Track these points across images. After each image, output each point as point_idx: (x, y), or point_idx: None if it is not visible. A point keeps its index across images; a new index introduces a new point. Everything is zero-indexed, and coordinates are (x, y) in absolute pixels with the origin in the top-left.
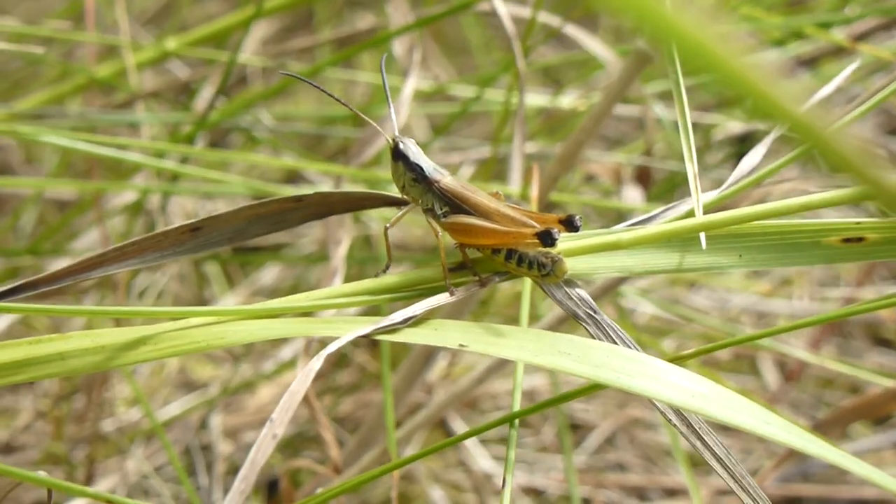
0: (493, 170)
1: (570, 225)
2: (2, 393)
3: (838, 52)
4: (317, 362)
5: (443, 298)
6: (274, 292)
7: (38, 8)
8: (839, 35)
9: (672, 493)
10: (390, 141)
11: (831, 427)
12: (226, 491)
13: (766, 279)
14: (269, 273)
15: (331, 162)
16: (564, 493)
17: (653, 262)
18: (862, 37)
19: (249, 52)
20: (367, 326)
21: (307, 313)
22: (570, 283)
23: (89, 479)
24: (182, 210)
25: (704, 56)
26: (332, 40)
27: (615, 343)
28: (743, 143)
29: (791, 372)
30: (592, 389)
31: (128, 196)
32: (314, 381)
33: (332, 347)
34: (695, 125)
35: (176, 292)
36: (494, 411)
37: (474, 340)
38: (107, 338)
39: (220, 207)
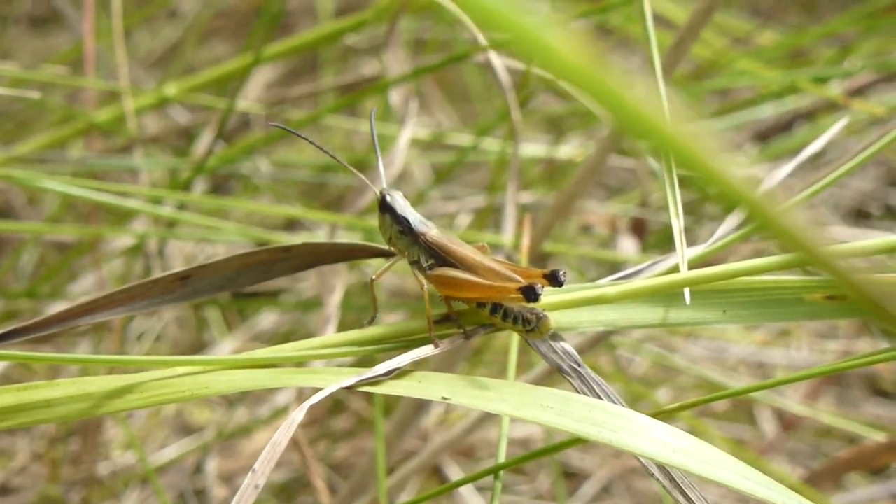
0: (490, 218)
1: (554, 280)
2: None
3: (835, 106)
4: (299, 414)
5: (427, 350)
6: (272, 337)
7: (44, 48)
8: (835, 90)
9: None
10: (378, 193)
11: (825, 478)
12: None
13: (763, 330)
14: (268, 318)
15: (330, 209)
16: None
17: (637, 316)
18: (860, 90)
19: (253, 97)
20: (350, 378)
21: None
22: (555, 336)
23: None
24: (180, 253)
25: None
26: (334, 87)
27: (599, 397)
28: None
29: (788, 422)
30: (576, 443)
31: (126, 239)
32: (308, 427)
33: (315, 399)
34: (686, 178)
35: (174, 336)
36: (490, 458)
37: (458, 393)
38: (94, 385)
39: (219, 251)
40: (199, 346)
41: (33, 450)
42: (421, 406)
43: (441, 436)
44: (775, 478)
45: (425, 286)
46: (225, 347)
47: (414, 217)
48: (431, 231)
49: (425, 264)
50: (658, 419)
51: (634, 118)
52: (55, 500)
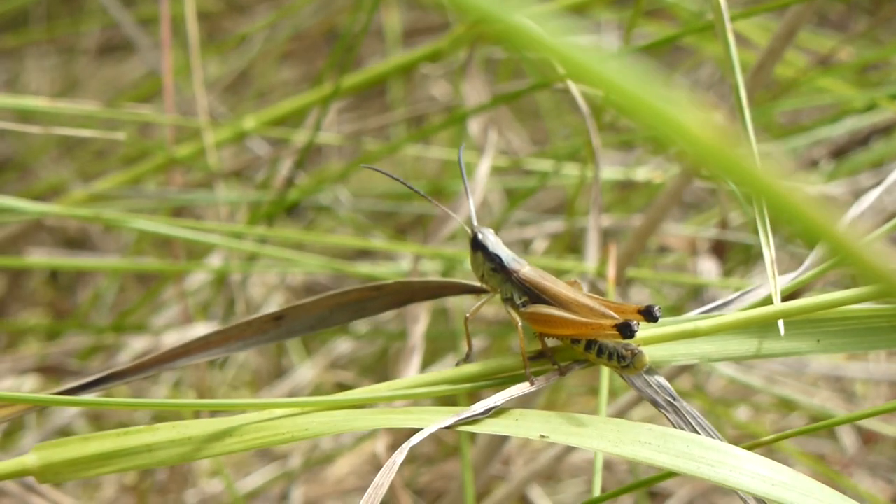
0: (568, 243)
1: (649, 315)
2: None
3: None
4: (400, 456)
5: (524, 388)
6: (352, 362)
7: (115, 77)
8: None
9: None
10: (469, 231)
11: None
12: None
13: None
14: (346, 343)
15: (404, 233)
16: None
17: (731, 348)
18: None
19: (325, 123)
20: (449, 418)
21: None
22: (650, 370)
23: None
24: (262, 281)
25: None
26: (407, 117)
27: (696, 430)
28: None
29: (868, 435)
30: (669, 476)
31: (208, 271)
32: (391, 452)
33: (415, 440)
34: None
35: (256, 363)
36: (571, 479)
37: (555, 430)
38: (193, 429)
39: (298, 277)
40: (279, 373)
41: (121, 481)
42: (506, 437)
43: (524, 460)
44: (859, 495)
45: (520, 324)
46: (305, 374)
47: (506, 255)
48: (524, 268)
49: (518, 301)
50: (754, 449)
51: (730, 170)
52: None
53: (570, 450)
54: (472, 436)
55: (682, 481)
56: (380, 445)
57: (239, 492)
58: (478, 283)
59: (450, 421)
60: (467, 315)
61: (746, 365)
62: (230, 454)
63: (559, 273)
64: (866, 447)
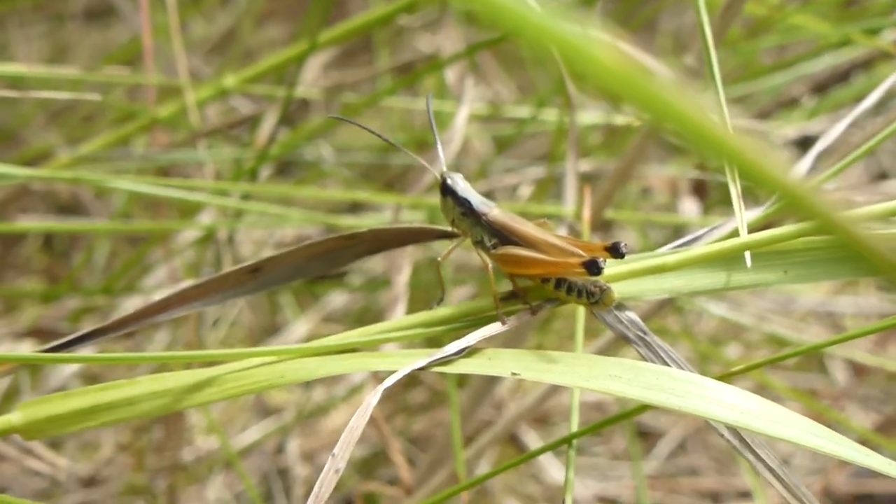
0: (551, 189)
1: (615, 252)
2: None
3: (890, 55)
4: (374, 398)
5: (496, 328)
6: (344, 316)
7: (102, 43)
8: (886, 41)
9: (746, 495)
10: (438, 177)
11: (892, 428)
12: None
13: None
14: (339, 298)
15: (393, 187)
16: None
17: (699, 282)
18: None
19: (311, 79)
20: (422, 360)
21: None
22: (620, 306)
23: None
24: (249, 238)
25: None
26: (390, 68)
27: (666, 363)
28: (802, 147)
29: (859, 368)
30: (645, 409)
31: (196, 230)
32: (385, 402)
33: (388, 382)
34: (750, 133)
35: (249, 321)
36: (565, 422)
37: (527, 368)
38: (172, 381)
39: (287, 234)
40: (273, 330)
41: (118, 440)
42: (494, 378)
43: (516, 404)
44: (846, 427)
45: (490, 265)
46: (298, 330)
47: (475, 198)
48: (493, 211)
49: (489, 244)
50: (726, 380)
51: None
52: (141, 489)
53: (557, 392)
54: (462, 381)
55: (674, 421)
56: (369, 395)
57: (235, 447)
58: (449, 228)
59: (423, 362)
60: (439, 259)
61: (736, 303)
62: (209, 403)
63: (541, 217)
64: (857, 379)
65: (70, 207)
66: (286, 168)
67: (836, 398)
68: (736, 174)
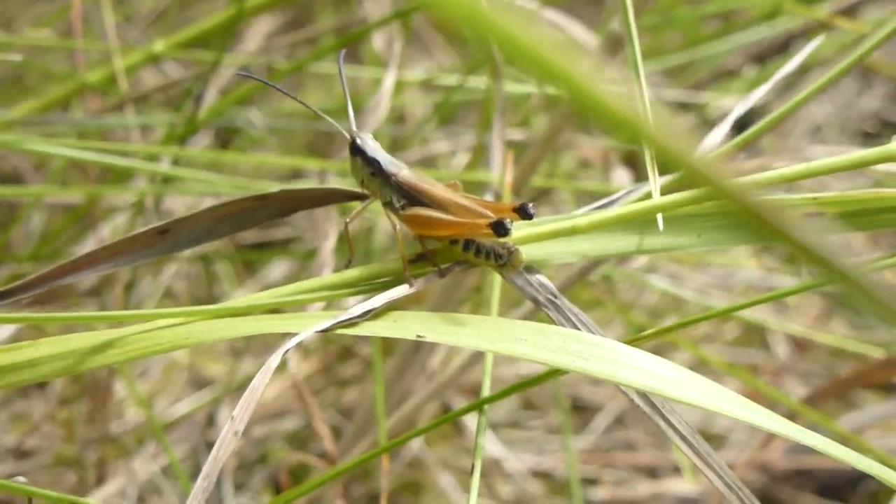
0: (484, 157)
1: (523, 213)
2: (13, 398)
3: (829, 25)
4: (275, 360)
5: (402, 290)
6: (281, 286)
7: (46, 14)
8: (823, 12)
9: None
10: (348, 136)
11: (825, 398)
12: (236, 487)
13: (773, 256)
14: (277, 269)
15: (327, 153)
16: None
17: (611, 245)
18: (851, 9)
19: (253, 48)
20: (325, 321)
21: (275, 310)
22: (531, 269)
23: (101, 481)
24: (184, 205)
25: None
26: (332, 33)
27: (577, 327)
28: (741, 118)
29: (801, 344)
30: (552, 375)
31: (128, 197)
32: (317, 375)
33: (290, 344)
34: (688, 104)
35: (184, 291)
36: (505, 399)
37: (432, 331)
38: (76, 342)
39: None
40: (209, 301)
41: (47, 411)
42: (420, 347)
43: (448, 374)
44: (773, 398)
45: (398, 226)
46: (235, 300)
47: (384, 158)
48: (402, 171)
49: (397, 205)
50: (637, 345)
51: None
52: (71, 460)
53: (478, 359)
54: (389, 350)
55: (612, 394)
56: (293, 364)
57: (166, 419)
58: (360, 190)
59: (327, 324)
60: (347, 220)
61: (678, 278)
62: (111, 364)
63: (471, 185)
64: (799, 355)
65: (8, 176)
66: (228, 140)
67: (776, 373)
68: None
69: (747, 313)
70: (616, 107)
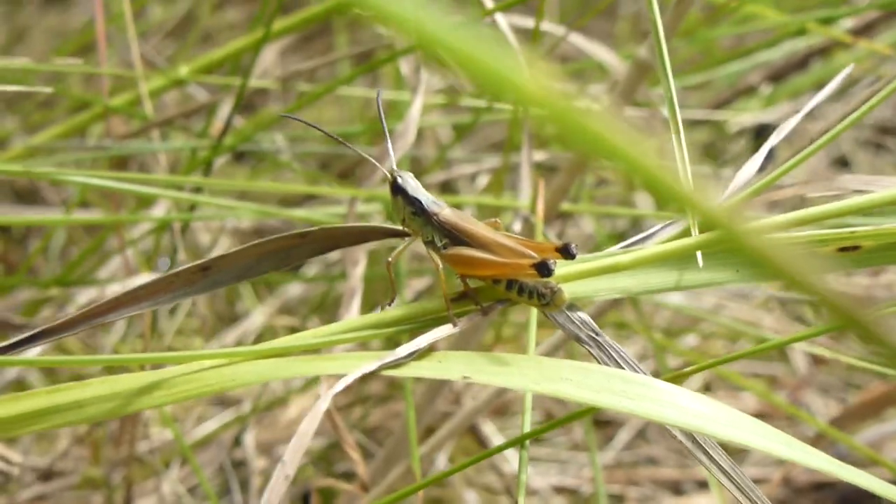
0: (507, 178)
1: (566, 253)
2: None
3: (844, 45)
4: (324, 403)
5: (447, 330)
6: (300, 305)
7: (59, 25)
8: (842, 28)
9: (705, 485)
10: (388, 176)
11: (853, 420)
12: None
13: None
14: (296, 288)
15: (348, 177)
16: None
17: (652, 281)
18: (867, 28)
19: (269, 62)
20: (373, 363)
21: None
22: (572, 306)
23: (128, 502)
24: (206, 226)
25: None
26: (349, 55)
27: (619, 364)
28: (759, 135)
29: (819, 357)
30: (593, 410)
31: (150, 221)
32: (341, 394)
33: (339, 387)
34: (707, 122)
35: (205, 310)
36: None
37: (477, 371)
38: (122, 384)
39: (244, 224)
40: (230, 319)
41: (74, 433)
42: None
43: (473, 396)
44: (802, 420)
45: (440, 266)
46: (255, 319)
47: (426, 198)
48: (444, 211)
49: (439, 244)
50: (679, 381)
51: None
52: (98, 481)
53: (530, 399)
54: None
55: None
56: (324, 388)
57: (192, 439)
58: (400, 227)
59: (374, 366)
60: (388, 259)
61: (694, 292)
62: (158, 406)
63: (495, 210)
64: (817, 368)
65: (26, 193)
66: (243, 156)
67: (796, 387)
68: (688, 168)
69: (766, 323)
70: (646, 165)
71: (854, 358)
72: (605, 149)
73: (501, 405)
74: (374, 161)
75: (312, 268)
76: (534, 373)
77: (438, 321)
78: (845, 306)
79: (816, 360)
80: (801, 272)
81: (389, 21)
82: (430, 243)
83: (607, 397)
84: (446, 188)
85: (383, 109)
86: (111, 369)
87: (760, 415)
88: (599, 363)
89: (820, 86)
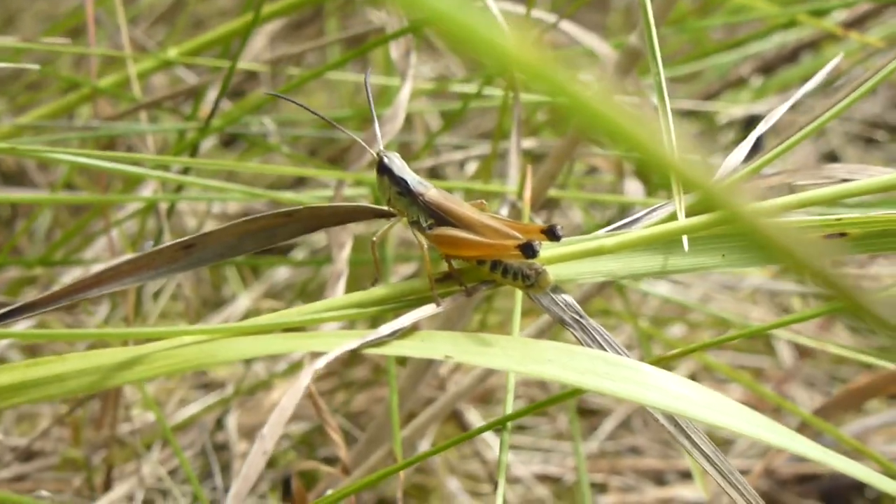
0: (496, 166)
1: (551, 234)
2: None
3: (835, 37)
4: (305, 379)
5: (430, 309)
6: (287, 290)
7: (48, 9)
8: (834, 21)
9: (688, 475)
10: (375, 155)
11: (838, 409)
12: None
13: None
14: (282, 272)
15: (338, 162)
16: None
17: (637, 265)
18: (859, 21)
19: (259, 47)
20: (355, 341)
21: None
22: (556, 288)
23: (108, 484)
24: (192, 210)
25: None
26: (339, 40)
27: (602, 347)
28: (748, 126)
29: (805, 349)
30: (578, 393)
31: (136, 202)
32: (326, 378)
33: (319, 364)
34: (696, 112)
35: (191, 294)
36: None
37: (461, 351)
38: (102, 358)
39: (230, 208)
40: (215, 303)
41: (55, 413)
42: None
43: (457, 382)
44: (787, 410)
45: (425, 246)
46: (241, 303)
47: (412, 178)
48: (430, 191)
49: (425, 224)
50: (664, 364)
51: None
52: (78, 462)
53: (498, 371)
54: (402, 358)
55: (619, 398)
56: (301, 376)
57: (173, 422)
58: (386, 207)
59: (356, 344)
60: (374, 239)
61: (683, 283)
62: (138, 381)
63: (484, 196)
64: (802, 361)
65: (13, 175)
66: (232, 140)
67: (782, 379)
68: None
69: (754, 315)
70: (644, 139)
71: (840, 347)
72: (606, 124)
73: (485, 393)
74: (360, 141)
75: (299, 252)
76: (518, 354)
77: (423, 301)
78: (850, 287)
79: (802, 353)
80: (806, 253)
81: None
82: (415, 223)
83: (591, 379)
84: (435, 174)
85: (372, 94)
86: (93, 347)
87: (746, 406)
88: (583, 346)
89: (810, 78)
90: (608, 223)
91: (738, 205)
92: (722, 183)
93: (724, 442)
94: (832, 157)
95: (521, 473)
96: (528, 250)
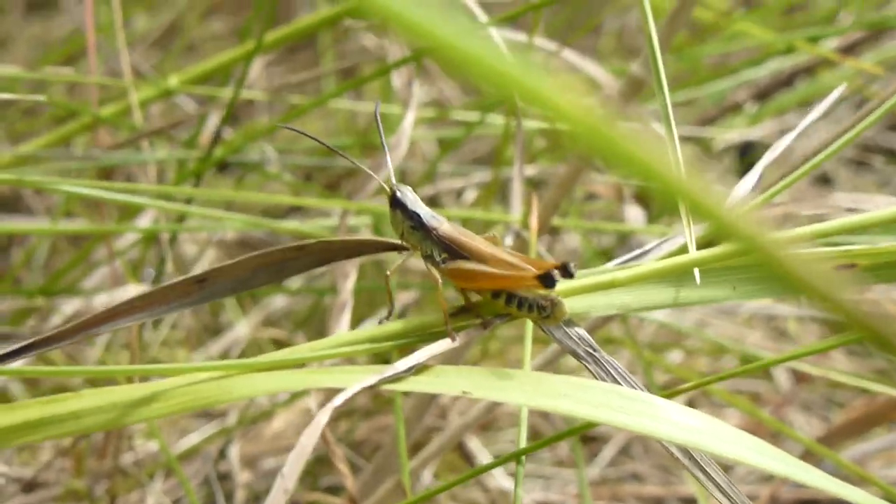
0: (496, 193)
1: (565, 272)
2: None
3: (830, 63)
4: (324, 416)
5: (445, 344)
6: (286, 317)
7: (43, 34)
8: (829, 47)
9: (690, 501)
10: (388, 189)
11: (841, 437)
12: None
13: None
14: (281, 299)
15: (336, 188)
16: None
17: (649, 298)
18: (853, 47)
19: (254, 74)
20: (372, 377)
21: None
22: (569, 322)
23: None
24: (192, 238)
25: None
26: (336, 69)
27: (616, 380)
28: (744, 152)
29: (802, 374)
30: (593, 426)
31: (136, 232)
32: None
33: (338, 401)
34: (693, 138)
35: (190, 321)
36: (510, 428)
37: (477, 386)
38: (119, 395)
39: (229, 236)
40: (214, 330)
41: (57, 444)
42: None
43: (459, 410)
44: (788, 436)
45: (440, 280)
46: (240, 331)
47: (425, 211)
48: (443, 225)
49: (439, 258)
50: (673, 397)
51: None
52: (81, 493)
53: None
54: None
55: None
56: (312, 402)
57: (176, 451)
58: (398, 241)
59: (372, 380)
60: (388, 273)
61: (679, 308)
62: (156, 418)
63: (486, 224)
64: (799, 386)
65: (10, 202)
66: (226, 167)
67: (780, 404)
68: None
69: (750, 340)
70: (659, 169)
71: (839, 373)
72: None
73: (487, 420)
74: (371, 173)
75: (296, 280)
76: (532, 388)
77: (434, 336)
78: (871, 318)
79: (799, 378)
80: (827, 285)
81: (399, 26)
82: (429, 258)
83: (605, 413)
84: (433, 202)
85: (373, 122)
86: (94, 381)
87: (745, 431)
88: (596, 378)
89: (805, 104)
90: (606, 251)
91: (756, 236)
92: (738, 213)
93: (724, 468)
94: (825, 180)
95: (522, 501)
96: (548, 280)
